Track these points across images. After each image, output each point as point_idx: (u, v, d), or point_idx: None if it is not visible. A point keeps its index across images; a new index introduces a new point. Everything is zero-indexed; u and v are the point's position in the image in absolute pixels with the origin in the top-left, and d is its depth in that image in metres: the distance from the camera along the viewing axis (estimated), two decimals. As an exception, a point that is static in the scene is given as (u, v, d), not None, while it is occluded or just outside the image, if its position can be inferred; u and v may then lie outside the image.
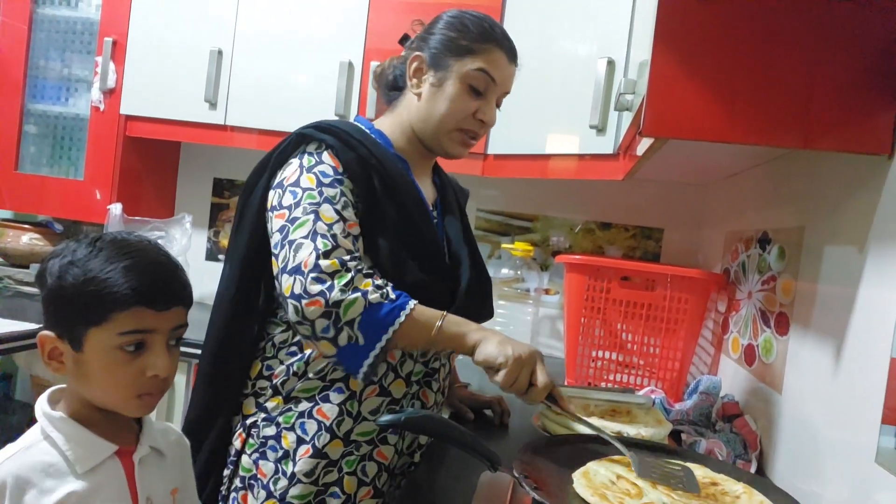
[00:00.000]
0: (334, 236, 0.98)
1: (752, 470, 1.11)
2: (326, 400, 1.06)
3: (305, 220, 0.98)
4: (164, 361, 0.85)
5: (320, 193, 1.00)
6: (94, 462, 0.82)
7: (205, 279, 2.41)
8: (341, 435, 1.05)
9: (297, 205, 1.00)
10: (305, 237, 0.97)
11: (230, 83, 2.03)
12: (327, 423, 1.05)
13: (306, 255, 0.96)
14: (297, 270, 0.96)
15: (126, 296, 0.81)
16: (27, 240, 2.23)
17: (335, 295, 0.93)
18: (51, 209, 2.19)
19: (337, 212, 1.00)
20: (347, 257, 0.97)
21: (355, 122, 1.16)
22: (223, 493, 1.10)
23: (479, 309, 1.18)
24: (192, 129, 2.08)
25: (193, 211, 2.32)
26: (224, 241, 2.44)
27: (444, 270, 1.12)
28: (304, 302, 0.94)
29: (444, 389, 1.21)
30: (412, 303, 0.98)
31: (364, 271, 0.98)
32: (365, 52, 1.96)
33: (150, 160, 2.27)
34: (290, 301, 0.96)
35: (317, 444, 1.04)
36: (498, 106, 1.18)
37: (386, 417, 0.83)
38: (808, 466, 0.99)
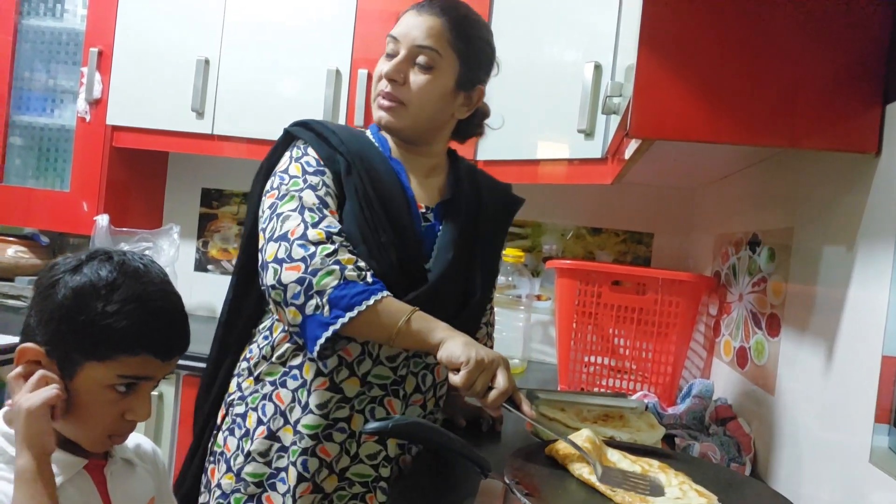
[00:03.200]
0: (321, 209, 1.02)
1: (747, 472, 1.10)
2: (284, 385, 1.09)
3: (293, 195, 1.03)
4: (147, 409, 0.85)
5: (304, 181, 1.05)
6: (61, 479, 0.80)
7: (193, 290, 2.40)
8: (291, 422, 1.07)
9: (284, 185, 1.05)
10: (293, 210, 1.01)
11: (217, 92, 2.02)
12: (281, 408, 1.08)
13: (294, 225, 0.99)
14: (283, 237, 0.99)
15: (141, 343, 0.81)
16: (12, 253, 2.20)
17: (315, 262, 0.95)
18: (37, 221, 2.16)
19: (319, 197, 1.04)
20: (335, 230, 1.00)
21: (366, 130, 1.20)
22: (206, 465, 1.16)
23: (454, 318, 1.04)
24: (180, 138, 2.06)
25: (181, 221, 2.30)
26: (212, 252, 2.42)
27: (411, 264, 1.08)
28: (284, 266, 0.96)
29: (427, 402, 1.15)
30: (386, 293, 0.98)
31: (350, 249, 1.00)
32: (352, 60, 1.95)
33: (138, 171, 2.26)
34: (271, 265, 0.98)
35: (271, 426, 1.07)
36: (423, 67, 1.09)
37: (373, 424, 0.81)
38: (802, 467, 0.98)
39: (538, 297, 2.20)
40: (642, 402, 1.27)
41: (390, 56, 1.12)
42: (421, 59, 1.10)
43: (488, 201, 1.23)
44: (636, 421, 1.16)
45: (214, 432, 1.15)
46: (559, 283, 1.62)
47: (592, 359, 1.59)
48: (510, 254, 2.04)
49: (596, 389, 1.57)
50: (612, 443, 0.97)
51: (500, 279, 2.08)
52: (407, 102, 1.11)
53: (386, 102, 1.12)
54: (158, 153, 2.33)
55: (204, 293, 2.40)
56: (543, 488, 0.80)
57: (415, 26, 1.09)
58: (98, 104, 2.07)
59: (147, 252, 2.12)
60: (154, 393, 1.75)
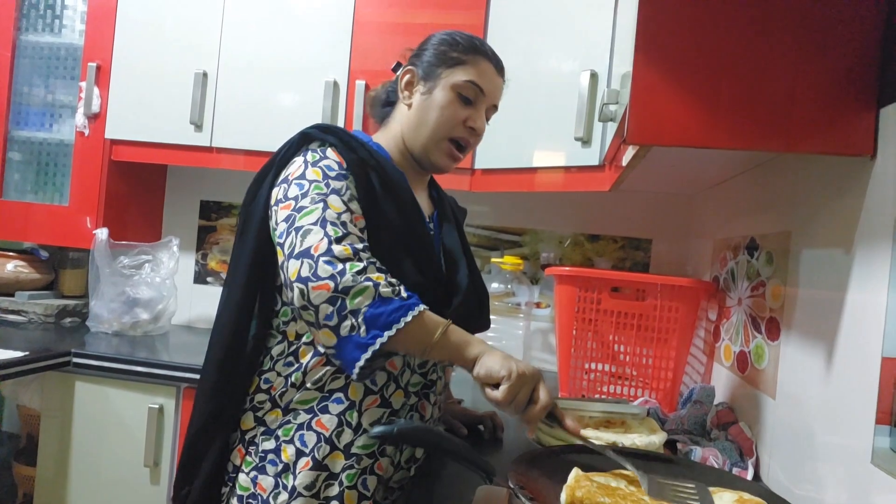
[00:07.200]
0: (344, 224, 0.97)
1: (749, 477, 1.10)
2: (325, 411, 1.04)
3: (314, 208, 0.97)
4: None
5: (327, 185, 1.00)
6: None
7: (193, 302, 2.40)
8: (341, 447, 1.03)
9: (304, 195, 0.99)
10: (314, 224, 0.96)
11: (216, 105, 2.03)
12: (326, 435, 1.03)
13: (317, 241, 0.94)
14: (305, 254, 0.93)
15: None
16: (12, 267, 2.20)
17: (346, 280, 0.91)
18: (36, 236, 2.16)
19: (344, 203, 1.00)
20: (360, 246, 0.96)
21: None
22: None
23: (478, 319, 1.18)
24: (178, 151, 2.06)
25: (181, 234, 2.31)
26: (212, 264, 2.42)
27: (439, 276, 1.11)
28: (311, 285, 0.91)
29: (441, 403, 1.20)
30: (422, 306, 0.95)
31: (378, 266, 0.96)
32: (350, 72, 1.97)
33: (137, 184, 2.26)
34: (296, 285, 0.92)
35: (317, 455, 1.02)
36: (487, 119, 1.20)
37: (378, 429, 0.81)
38: (804, 471, 0.98)
39: (537, 305, 2.20)
40: (644, 407, 1.27)
41: (469, 102, 1.14)
42: (489, 114, 1.20)
43: (454, 208, 1.32)
44: (638, 426, 1.16)
45: (232, 475, 1.07)
46: (558, 290, 1.62)
47: (593, 365, 1.59)
48: (508, 261, 2.05)
49: (597, 396, 1.57)
50: (616, 449, 0.97)
51: (499, 287, 2.09)
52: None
53: (461, 156, 1.18)
54: (157, 166, 2.34)
55: (203, 305, 2.41)
56: (547, 493, 0.80)
57: (498, 89, 1.19)
58: (97, 118, 2.08)
59: (146, 265, 2.12)
60: (153, 406, 1.74)
